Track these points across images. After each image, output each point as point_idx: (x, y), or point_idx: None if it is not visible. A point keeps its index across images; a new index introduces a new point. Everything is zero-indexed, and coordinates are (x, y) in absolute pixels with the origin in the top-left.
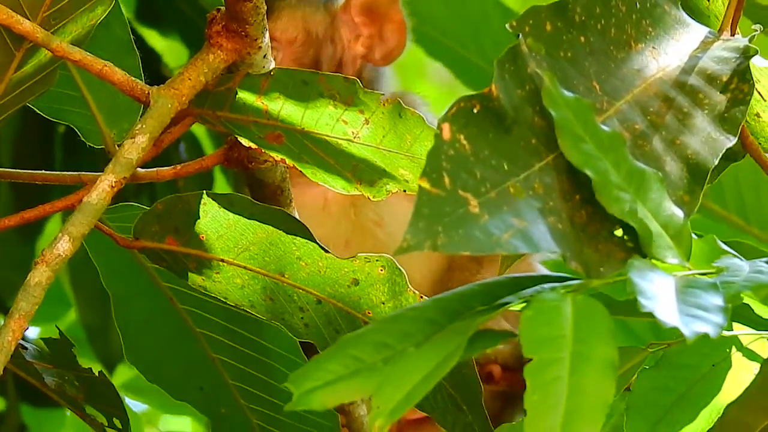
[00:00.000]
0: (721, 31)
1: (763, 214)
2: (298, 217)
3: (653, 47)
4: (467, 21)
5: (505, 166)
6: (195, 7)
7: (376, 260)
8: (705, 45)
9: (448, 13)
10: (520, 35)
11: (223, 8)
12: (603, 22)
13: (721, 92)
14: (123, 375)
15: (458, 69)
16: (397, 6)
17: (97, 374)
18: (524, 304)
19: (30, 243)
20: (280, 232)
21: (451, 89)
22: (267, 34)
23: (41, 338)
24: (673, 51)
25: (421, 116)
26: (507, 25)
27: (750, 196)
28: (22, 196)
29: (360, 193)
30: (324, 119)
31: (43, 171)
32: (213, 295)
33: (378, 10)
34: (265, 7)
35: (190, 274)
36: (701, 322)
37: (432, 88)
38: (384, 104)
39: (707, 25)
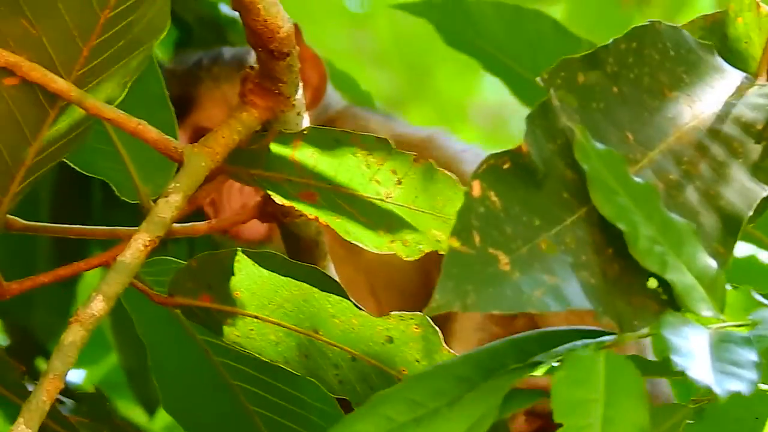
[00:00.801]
0: (757, 75)
1: None
2: (333, 270)
3: (687, 95)
4: (524, 38)
5: (536, 222)
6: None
7: (411, 318)
8: (740, 91)
9: (505, 30)
10: (552, 89)
11: (256, 66)
12: (636, 71)
13: (756, 141)
14: (164, 418)
15: (514, 85)
16: (304, 44)
17: (131, 427)
18: (557, 362)
19: (70, 286)
20: (314, 289)
21: (493, 130)
22: (300, 92)
23: (77, 391)
24: (708, 98)
25: (454, 178)
26: (538, 79)
27: None
28: (62, 247)
29: (393, 252)
30: (357, 178)
31: (79, 225)
32: (248, 351)
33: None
34: (299, 65)
35: (224, 330)
36: (735, 380)
37: (474, 131)
38: (416, 165)
39: (746, 68)
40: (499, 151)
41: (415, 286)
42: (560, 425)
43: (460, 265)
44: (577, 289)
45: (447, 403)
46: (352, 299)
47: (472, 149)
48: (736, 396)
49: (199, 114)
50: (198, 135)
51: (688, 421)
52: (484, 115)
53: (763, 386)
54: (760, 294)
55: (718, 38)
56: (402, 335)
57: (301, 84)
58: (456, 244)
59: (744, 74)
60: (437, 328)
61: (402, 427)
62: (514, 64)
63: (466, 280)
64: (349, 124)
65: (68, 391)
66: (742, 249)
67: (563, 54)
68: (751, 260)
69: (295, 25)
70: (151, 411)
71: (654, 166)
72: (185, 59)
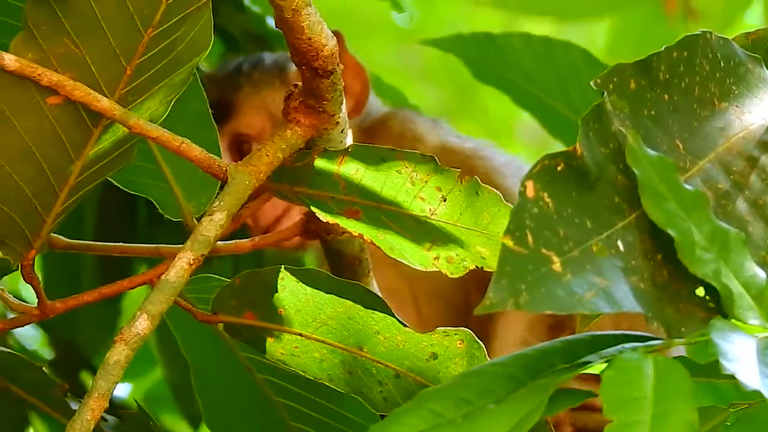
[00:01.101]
0: None
1: None
2: (376, 286)
3: (736, 106)
4: (554, 71)
5: (588, 224)
6: None
7: (455, 334)
8: None
9: (536, 62)
10: (605, 93)
11: (300, 84)
12: (687, 80)
13: None
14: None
15: (544, 118)
16: (347, 52)
17: None
18: (606, 364)
19: (115, 302)
20: (358, 306)
21: (539, 147)
22: (344, 110)
23: (121, 408)
24: (757, 110)
25: (498, 194)
26: (592, 83)
27: None
28: (107, 263)
29: (437, 269)
30: (401, 195)
31: (123, 244)
32: (291, 369)
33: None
34: (343, 84)
35: (268, 347)
36: None
37: (520, 147)
38: (461, 181)
39: None
40: (553, 152)
41: (457, 295)
42: (610, 421)
43: (514, 264)
44: (627, 292)
45: (494, 401)
46: (396, 315)
47: (514, 162)
48: None
49: (238, 120)
50: (237, 141)
51: (727, 424)
52: (531, 132)
53: None
54: None
55: (762, 53)
56: (446, 351)
57: (344, 98)
58: (510, 243)
59: None
60: (481, 344)
61: (449, 423)
62: (545, 96)
63: (519, 279)
64: (397, 125)
65: (112, 407)
66: None
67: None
68: None
69: (337, 33)
70: (195, 425)
71: (703, 174)
72: (226, 65)
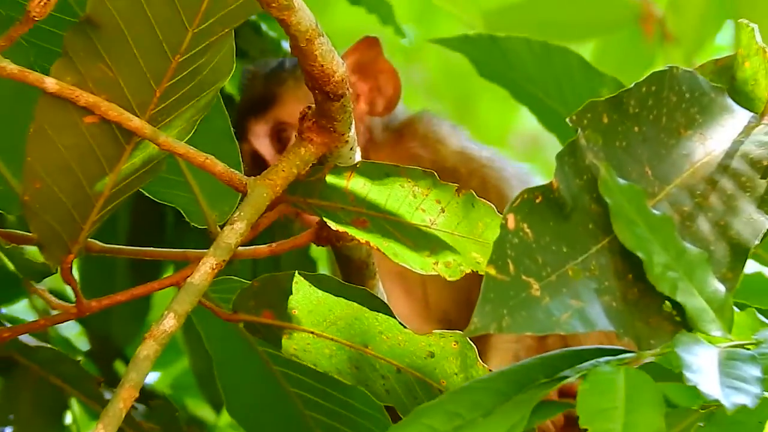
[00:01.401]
0: (763, 115)
1: None
2: (381, 289)
3: (701, 133)
4: (551, 72)
5: (565, 250)
6: None
7: (450, 336)
8: (748, 130)
9: (535, 64)
10: (579, 129)
11: (314, 106)
12: (655, 112)
13: (762, 176)
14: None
15: (541, 114)
16: (383, 57)
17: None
18: (582, 377)
19: (146, 298)
20: (364, 308)
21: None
22: (353, 129)
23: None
24: (719, 136)
25: (492, 206)
26: (567, 119)
27: None
28: (138, 266)
29: (436, 273)
30: (404, 207)
31: (153, 248)
32: (304, 363)
33: (368, 66)
34: (352, 106)
35: (283, 343)
36: (741, 394)
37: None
38: (458, 195)
39: (752, 108)
40: (531, 186)
41: (462, 281)
42: (586, 430)
43: (496, 291)
44: (600, 312)
45: (483, 414)
46: (398, 318)
47: (521, 173)
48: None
49: (281, 110)
50: (278, 129)
51: (699, 424)
52: (522, 141)
53: (767, 394)
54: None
55: (727, 80)
56: (442, 351)
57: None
58: (493, 271)
59: (751, 114)
60: (473, 345)
61: None
62: (543, 95)
63: (501, 304)
64: (423, 127)
65: (142, 396)
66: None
67: (587, 86)
68: (758, 277)
69: (376, 39)
70: (217, 409)
71: (670, 198)
72: (267, 62)
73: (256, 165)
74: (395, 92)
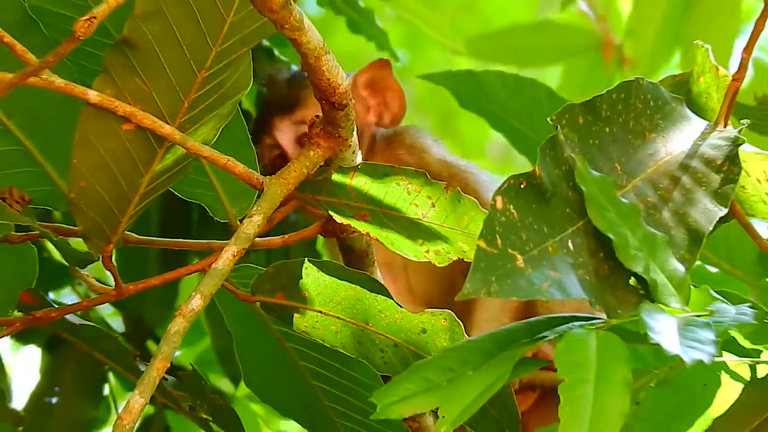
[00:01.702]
0: (716, 123)
1: (746, 261)
2: (379, 275)
3: (663, 136)
4: (523, 102)
5: (545, 230)
6: None
7: (440, 314)
8: (704, 135)
9: (508, 95)
10: (558, 126)
11: (321, 114)
12: (624, 116)
13: (716, 173)
14: (246, 388)
15: (514, 139)
16: (392, 77)
17: (221, 399)
18: (558, 338)
19: (174, 286)
20: (365, 291)
21: (503, 163)
22: (355, 135)
23: (180, 370)
24: (678, 139)
25: (476, 202)
26: (548, 119)
27: (736, 247)
28: (167, 256)
29: (427, 260)
30: (400, 203)
31: (181, 239)
32: (313, 338)
33: (378, 83)
34: (354, 115)
35: (295, 321)
36: (698, 352)
37: (488, 162)
38: (446, 192)
39: (705, 118)
40: (517, 173)
41: (442, 270)
42: (563, 380)
43: (486, 261)
44: (575, 283)
45: (471, 368)
46: (395, 299)
47: (492, 179)
48: (691, 366)
49: (303, 111)
50: (300, 127)
51: (651, 385)
52: (498, 150)
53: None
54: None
55: (683, 94)
56: (433, 327)
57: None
58: (483, 244)
59: (706, 122)
60: (461, 322)
61: (437, 386)
62: (516, 122)
63: (490, 273)
64: (410, 138)
65: (171, 369)
66: None
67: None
68: (700, 269)
69: (388, 61)
70: (236, 383)
71: (636, 190)
72: (283, 69)
73: (279, 157)
74: (400, 108)
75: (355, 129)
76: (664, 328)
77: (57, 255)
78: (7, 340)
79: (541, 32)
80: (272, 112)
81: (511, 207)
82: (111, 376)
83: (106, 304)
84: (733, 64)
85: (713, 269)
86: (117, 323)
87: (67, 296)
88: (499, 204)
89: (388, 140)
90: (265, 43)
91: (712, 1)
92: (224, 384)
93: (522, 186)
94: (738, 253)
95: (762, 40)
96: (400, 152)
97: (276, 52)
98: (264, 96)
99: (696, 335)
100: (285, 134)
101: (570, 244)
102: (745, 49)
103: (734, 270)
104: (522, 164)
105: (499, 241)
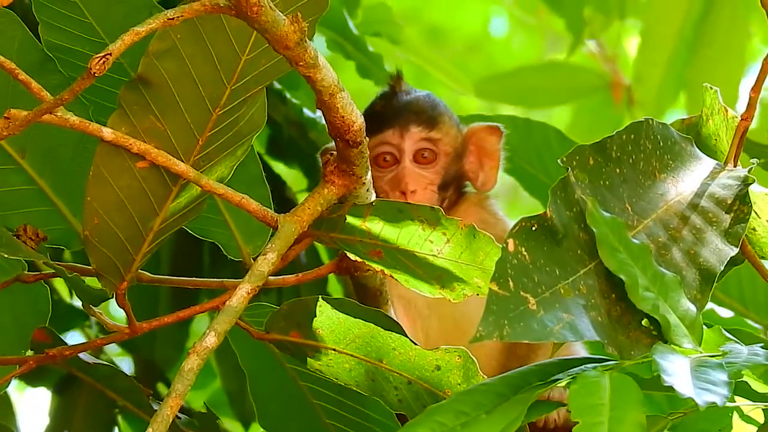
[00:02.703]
0: (725, 163)
1: (759, 302)
2: (393, 313)
3: (673, 176)
4: (533, 145)
5: (557, 272)
6: (312, 145)
7: (454, 351)
8: (713, 175)
9: (519, 138)
10: (569, 168)
11: (335, 152)
12: (634, 157)
13: (726, 212)
14: (257, 430)
15: (524, 181)
16: (498, 147)
17: None
18: (571, 380)
19: (185, 327)
20: (379, 328)
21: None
22: (369, 173)
23: (192, 411)
24: (689, 179)
25: (491, 237)
26: (558, 160)
27: (749, 289)
28: (177, 295)
29: (442, 296)
30: (414, 239)
31: (194, 278)
32: (327, 377)
33: (486, 147)
34: (368, 152)
35: (308, 359)
36: (711, 394)
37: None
38: (461, 228)
39: (715, 159)
40: (529, 216)
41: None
42: (577, 423)
43: (498, 304)
44: (587, 325)
45: (485, 412)
46: (409, 336)
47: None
48: (704, 411)
49: (438, 134)
50: (425, 145)
51: (667, 430)
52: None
53: (728, 403)
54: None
55: (693, 136)
56: (447, 364)
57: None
58: (495, 287)
59: (716, 161)
60: (475, 359)
61: (451, 431)
62: (526, 164)
63: (502, 316)
64: (492, 205)
65: (183, 410)
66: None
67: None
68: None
69: (501, 132)
70: (246, 425)
71: (647, 231)
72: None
73: (385, 155)
74: (493, 179)
75: (370, 168)
76: (676, 369)
77: (67, 297)
78: (13, 381)
79: (549, 73)
80: (410, 119)
81: (523, 249)
82: (120, 419)
83: (115, 345)
84: (740, 106)
85: (726, 313)
86: (126, 366)
87: (76, 339)
88: (511, 246)
89: (470, 198)
90: (277, 85)
91: (716, 44)
92: (235, 426)
93: (533, 228)
94: (751, 295)
95: None
96: (484, 215)
97: (288, 95)
98: (401, 98)
99: (709, 377)
100: (413, 143)
101: (582, 285)
102: (753, 88)
103: (747, 311)
104: (528, 205)
105: (511, 284)
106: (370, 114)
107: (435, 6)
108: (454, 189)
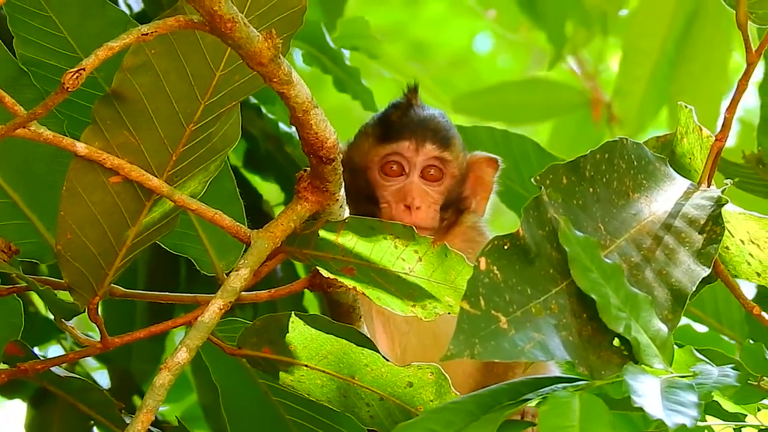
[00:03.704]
0: (699, 183)
1: (733, 318)
2: (366, 329)
3: (647, 196)
4: (511, 157)
5: (529, 291)
6: (288, 159)
7: (427, 368)
8: (687, 195)
9: (497, 150)
10: (542, 187)
11: (309, 168)
12: (608, 176)
13: (699, 233)
14: None
15: (502, 194)
16: (493, 178)
17: None
18: (542, 400)
19: (161, 340)
20: (352, 344)
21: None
22: (343, 189)
23: (165, 424)
24: (662, 199)
25: (463, 256)
26: (532, 179)
27: (723, 305)
28: (154, 309)
29: (414, 314)
30: (387, 256)
31: (167, 293)
32: (299, 392)
33: (483, 177)
34: (341, 169)
35: (281, 375)
36: (681, 415)
37: None
38: (434, 246)
39: (690, 178)
40: (501, 234)
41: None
42: None
43: (469, 323)
44: (558, 344)
45: (455, 430)
46: (381, 352)
47: None
48: (676, 430)
49: (449, 155)
50: (435, 161)
51: None
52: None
53: (699, 423)
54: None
55: (668, 154)
56: (419, 381)
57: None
58: (466, 306)
59: (690, 182)
60: (447, 376)
61: None
62: (504, 177)
63: (473, 334)
64: (485, 231)
65: (156, 423)
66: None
67: (542, 168)
68: (687, 329)
69: (498, 164)
70: None
71: (620, 250)
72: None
73: (392, 164)
74: (482, 207)
75: (343, 184)
76: (647, 390)
77: (43, 309)
78: None
79: (530, 90)
80: (427, 135)
81: (495, 268)
82: (96, 430)
83: (92, 358)
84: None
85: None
86: (102, 378)
87: (53, 352)
88: (483, 265)
89: (464, 221)
90: (253, 100)
91: (698, 61)
92: None
93: (506, 247)
94: (726, 311)
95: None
96: (472, 234)
97: (264, 110)
98: (418, 112)
99: (679, 398)
100: (425, 159)
101: (554, 304)
102: (728, 109)
103: (722, 327)
104: (510, 219)
105: (482, 303)
106: (385, 122)
107: (420, 22)
108: (453, 211)
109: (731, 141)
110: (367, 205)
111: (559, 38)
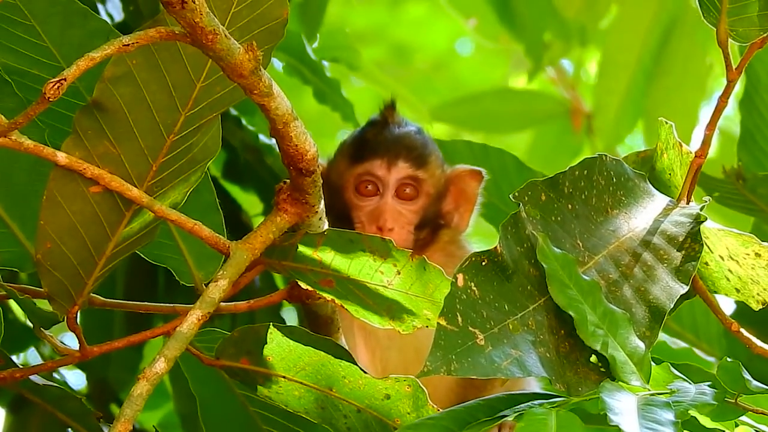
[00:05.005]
0: (679, 199)
1: (711, 333)
2: (344, 341)
3: (625, 213)
4: (490, 170)
5: (506, 307)
6: (268, 170)
7: (404, 380)
8: (666, 211)
9: (475, 164)
10: (521, 203)
11: (288, 180)
12: (586, 193)
13: (677, 250)
14: None
15: (481, 208)
16: (477, 192)
17: None
18: (518, 416)
19: (139, 349)
20: (330, 356)
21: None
22: (322, 202)
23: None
24: (641, 216)
25: (441, 270)
26: (510, 196)
27: (702, 320)
28: (133, 318)
29: (391, 327)
30: (365, 270)
31: (146, 303)
32: (276, 403)
33: (466, 191)
34: (321, 181)
35: (258, 386)
36: None
37: None
38: (412, 259)
39: (669, 194)
40: (478, 251)
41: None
42: None
43: (446, 339)
44: (536, 361)
45: None
46: (359, 364)
47: None
48: None
49: (424, 175)
50: (410, 180)
51: None
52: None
53: None
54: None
55: (647, 170)
56: (397, 393)
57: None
58: (443, 322)
59: (669, 198)
60: (425, 388)
61: None
62: (483, 191)
63: (450, 351)
64: (467, 245)
65: (134, 431)
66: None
67: (521, 182)
68: (662, 345)
69: (483, 177)
70: None
71: (598, 267)
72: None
73: (367, 184)
74: (465, 221)
75: (323, 197)
76: (623, 408)
77: (22, 317)
78: None
79: (509, 99)
80: (400, 153)
81: (473, 284)
82: None
83: (71, 365)
84: (699, 135)
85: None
86: (78, 378)
87: (32, 358)
88: (460, 281)
89: (443, 237)
90: (233, 111)
91: (674, 74)
92: None
93: (483, 263)
94: (704, 326)
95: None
96: (452, 248)
97: (244, 121)
98: (392, 130)
99: (656, 416)
100: (398, 178)
101: (531, 321)
102: (707, 126)
103: (700, 342)
104: (490, 233)
105: (459, 319)
106: (359, 140)
107: (401, 24)
108: (430, 230)
109: (713, 151)
110: (342, 225)
111: (537, 50)
